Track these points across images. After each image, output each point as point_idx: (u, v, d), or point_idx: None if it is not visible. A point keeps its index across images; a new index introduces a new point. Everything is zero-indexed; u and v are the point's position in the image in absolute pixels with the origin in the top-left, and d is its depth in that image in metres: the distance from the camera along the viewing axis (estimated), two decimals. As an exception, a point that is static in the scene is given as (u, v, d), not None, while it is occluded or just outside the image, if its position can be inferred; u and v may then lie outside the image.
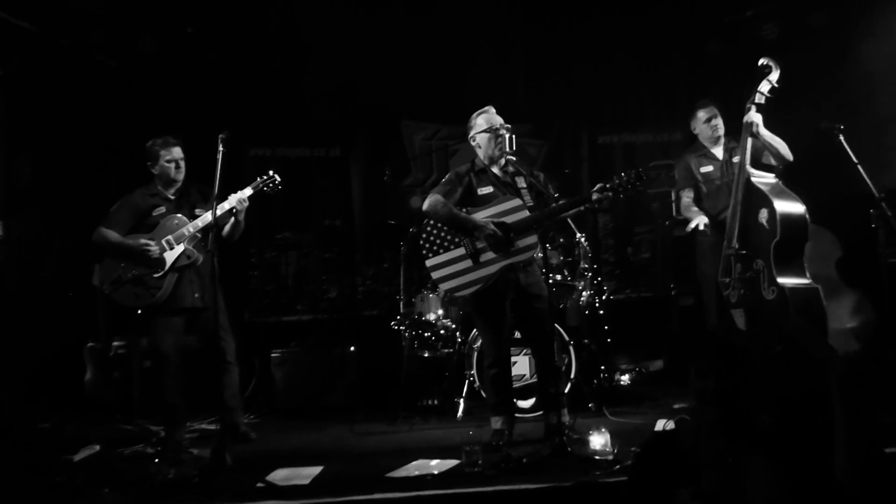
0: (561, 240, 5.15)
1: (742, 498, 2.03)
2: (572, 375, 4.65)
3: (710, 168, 4.80)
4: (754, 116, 4.41)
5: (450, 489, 3.16)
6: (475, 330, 4.85)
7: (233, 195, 4.19)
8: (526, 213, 3.88)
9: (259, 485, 3.40)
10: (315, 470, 3.59)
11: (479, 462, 3.37)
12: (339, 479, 3.49)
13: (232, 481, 3.45)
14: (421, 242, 4.07)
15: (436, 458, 3.67)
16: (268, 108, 6.38)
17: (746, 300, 4.38)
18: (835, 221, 5.28)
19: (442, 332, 5.12)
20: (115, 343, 5.27)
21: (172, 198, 4.34)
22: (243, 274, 6.25)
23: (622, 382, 5.47)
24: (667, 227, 6.25)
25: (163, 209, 4.27)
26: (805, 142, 4.57)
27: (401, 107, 6.64)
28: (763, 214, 4.31)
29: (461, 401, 4.81)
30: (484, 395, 4.61)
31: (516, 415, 4.16)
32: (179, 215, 4.25)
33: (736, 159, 4.55)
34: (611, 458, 3.36)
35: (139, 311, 4.24)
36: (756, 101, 4.44)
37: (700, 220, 4.57)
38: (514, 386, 4.32)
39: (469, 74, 6.59)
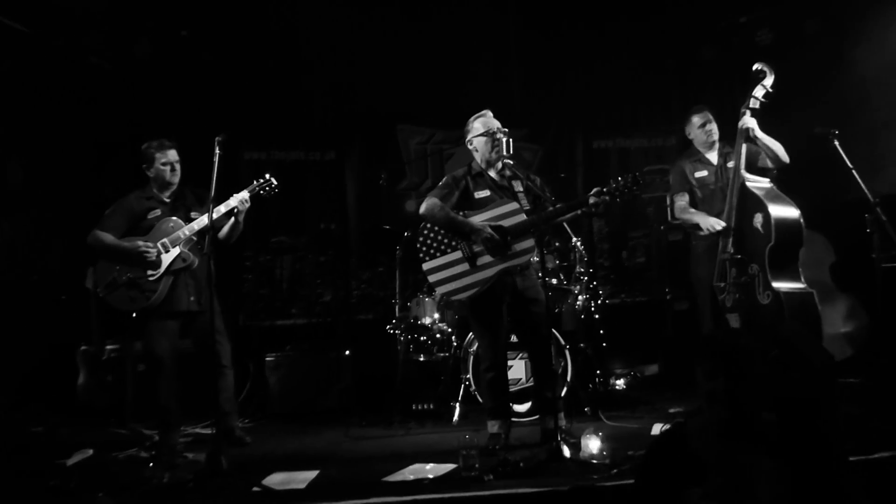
0: (556, 244, 5.15)
1: (752, 497, 2.04)
2: (568, 380, 4.65)
3: (704, 173, 4.81)
4: (749, 121, 4.44)
5: (447, 493, 3.15)
6: (471, 334, 4.84)
7: (235, 195, 4.19)
8: (523, 217, 3.88)
9: (255, 489, 3.38)
10: (311, 474, 3.57)
11: (477, 466, 3.36)
12: (336, 484, 3.47)
13: (227, 485, 3.42)
14: (418, 246, 4.06)
15: (432, 462, 3.66)
16: (263, 111, 6.37)
17: (741, 304, 4.39)
18: (828, 226, 5.32)
19: (438, 335, 5.11)
20: (109, 347, 5.25)
21: (168, 201, 4.32)
22: (238, 277, 6.23)
23: (617, 387, 5.47)
24: (662, 232, 6.28)
25: (158, 212, 4.25)
26: (798, 147, 4.60)
27: (396, 111, 6.64)
28: (758, 219, 4.33)
29: (457, 405, 4.80)
30: (480, 399, 4.60)
31: (512, 419, 4.16)
32: (175, 218, 4.23)
33: (730, 164, 4.57)
34: (608, 462, 3.37)
35: (134, 315, 4.22)
36: (751, 105, 4.47)
37: (709, 222, 4.55)
38: (511, 390, 4.32)
39: (465, 79, 6.61)
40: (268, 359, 5.35)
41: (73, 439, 4.50)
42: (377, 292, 6.29)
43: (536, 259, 4.11)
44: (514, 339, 4.43)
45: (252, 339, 5.98)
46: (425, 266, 4.02)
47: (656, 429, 4.02)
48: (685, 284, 5.36)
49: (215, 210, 3.99)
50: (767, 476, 2.06)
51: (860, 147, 4.23)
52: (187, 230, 4.18)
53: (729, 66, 6.48)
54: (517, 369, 4.66)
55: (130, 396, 5.10)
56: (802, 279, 4.35)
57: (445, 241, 3.99)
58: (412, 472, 3.55)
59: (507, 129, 4.04)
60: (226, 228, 4.31)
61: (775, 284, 4.23)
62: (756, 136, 4.44)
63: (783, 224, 4.27)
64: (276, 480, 3.50)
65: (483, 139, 4.05)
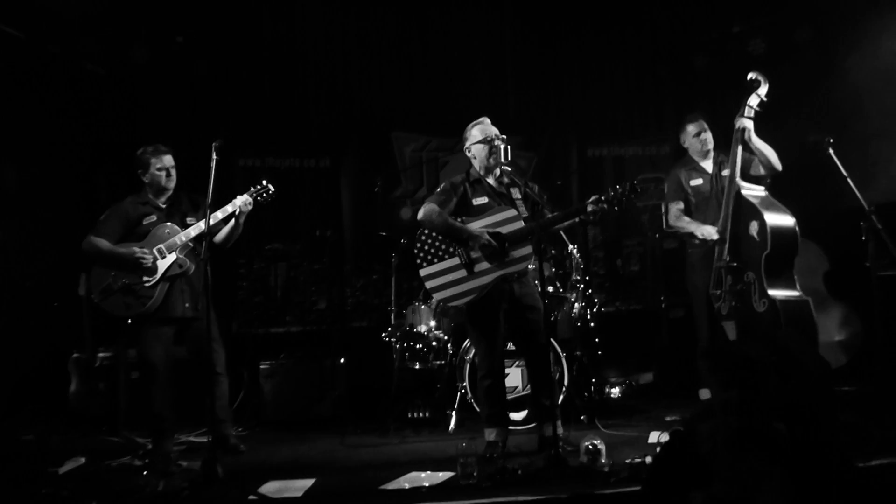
0: (552, 251, 5.15)
1: (752, 502, 2.07)
2: (564, 387, 4.64)
3: (699, 181, 4.84)
4: (746, 122, 4.46)
5: (445, 501, 3.14)
6: (467, 341, 4.84)
7: (239, 197, 4.18)
8: (521, 224, 3.88)
9: (251, 497, 3.35)
10: (307, 482, 3.54)
11: (475, 474, 3.34)
12: (332, 492, 3.45)
13: (223, 494, 3.40)
14: (415, 252, 4.05)
15: (429, 470, 3.64)
16: (258, 117, 6.38)
17: (737, 312, 4.41)
18: (821, 234, 5.35)
19: (434, 343, 5.10)
20: (101, 354, 5.19)
21: (163, 206, 4.30)
22: (232, 285, 6.20)
23: (612, 395, 5.46)
24: (657, 240, 6.30)
25: (154, 217, 4.22)
26: (791, 155, 4.63)
27: (391, 118, 6.65)
28: (753, 227, 4.35)
29: (453, 413, 4.78)
30: (477, 407, 4.59)
31: (509, 427, 4.14)
32: (170, 224, 4.21)
33: (725, 172, 4.60)
34: (606, 469, 3.35)
35: (129, 321, 4.18)
36: (745, 114, 4.49)
37: (703, 230, 4.57)
38: (507, 398, 4.30)
39: (460, 87, 6.64)
40: (262, 367, 5.32)
41: (65, 447, 4.45)
42: (372, 300, 6.27)
43: (532, 267, 4.11)
44: (510, 346, 4.42)
45: (246, 346, 5.92)
46: (422, 272, 4.01)
47: (653, 437, 4.01)
48: (680, 292, 5.38)
49: (212, 215, 3.96)
50: (770, 483, 2.08)
51: (852, 156, 4.25)
52: (183, 236, 4.15)
53: (722, 75, 6.53)
54: (513, 377, 4.65)
55: (123, 404, 5.06)
56: (798, 287, 4.37)
57: (443, 247, 3.98)
58: (409, 480, 3.53)
59: (505, 136, 4.05)
60: (224, 232, 4.29)
61: (771, 292, 4.25)
62: (751, 139, 4.47)
63: (779, 232, 4.28)
64: (272, 489, 3.47)
65: (481, 146, 4.05)
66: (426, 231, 4.03)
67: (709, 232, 4.54)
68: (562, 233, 4.89)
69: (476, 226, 3.93)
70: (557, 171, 6.65)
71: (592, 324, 5.20)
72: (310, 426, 5.07)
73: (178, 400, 4.26)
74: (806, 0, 6.12)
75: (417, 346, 5.11)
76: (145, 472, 3.86)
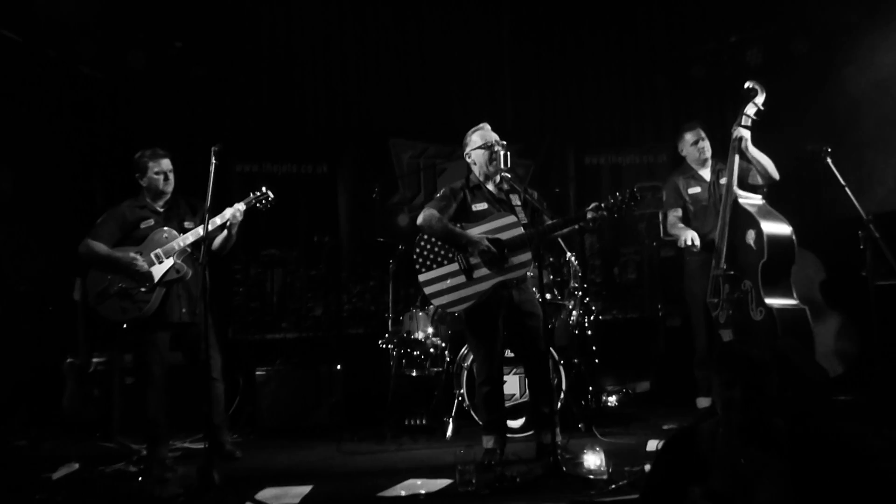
0: (550, 259, 5.15)
1: (750, 497, 2.12)
2: (562, 395, 4.63)
3: (697, 189, 4.86)
4: (743, 132, 4.48)
5: (444, 508, 3.13)
6: (464, 348, 4.83)
7: (228, 208, 4.15)
8: (520, 230, 3.87)
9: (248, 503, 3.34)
10: (304, 489, 3.51)
11: (473, 481, 3.32)
12: (330, 499, 3.43)
13: (220, 500, 3.37)
14: (414, 257, 4.04)
15: (426, 477, 3.62)
16: (255, 123, 6.37)
17: (734, 321, 4.41)
18: (817, 244, 5.36)
19: (431, 350, 5.08)
20: (95, 359, 5.16)
21: (161, 210, 4.27)
22: (228, 290, 6.17)
23: (609, 403, 5.46)
24: (654, 248, 6.31)
25: (151, 222, 4.20)
26: (787, 165, 4.66)
27: (389, 125, 6.65)
28: (750, 235, 4.36)
29: (450, 420, 4.76)
30: (474, 414, 4.57)
31: (507, 434, 4.13)
32: (168, 228, 4.18)
33: (723, 181, 4.62)
34: (605, 477, 3.35)
35: (124, 326, 4.15)
36: (742, 123, 4.52)
37: (687, 235, 4.63)
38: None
39: (457, 94, 6.66)
40: (258, 373, 5.27)
41: (59, 453, 4.43)
42: (368, 306, 6.25)
43: (531, 274, 4.11)
44: (508, 353, 4.41)
45: (242, 353, 5.91)
46: (421, 277, 4.00)
47: (651, 445, 4.01)
48: (677, 301, 5.39)
49: (210, 221, 3.94)
50: (768, 476, 2.13)
51: (847, 166, 4.27)
52: (181, 241, 4.13)
53: (719, 85, 6.57)
54: (511, 384, 4.63)
55: (118, 410, 5.02)
56: (795, 296, 4.39)
57: (442, 252, 3.97)
58: (406, 487, 3.50)
59: (505, 142, 4.04)
60: (218, 240, 4.26)
61: (768, 301, 4.26)
62: (748, 149, 4.49)
63: (775, 240, 4.30)
64: (269, 495, 3.44)
65: (481, 152, 4.05)
66: (425, 236, 4.02)
67: (690, 238, 4.56)
68: (560, 240, 4.90)
69: (475, 232, 3.93)
70: (555, 179, 6.67)
71: (590, 331, 5.19)
72: (306, 433, 5.04)
73: (173, 406, 4.23)
74: (802, 11, 6.16)
75: (415, 352, 5.10)
76: (140, 479, 3.82)
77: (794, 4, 6.17)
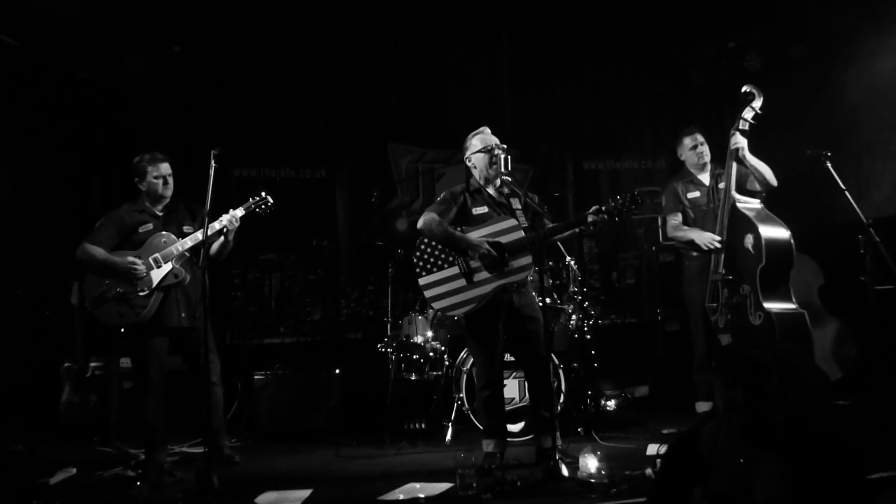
0: (549, 263, 5.15)
1: (749, 498, 2.13)
2: (562, 399, 4.62)
3: (697, 194, 4.85)
4: (740, 140, 4.49)
5: (444, 513, 3.11)
6: (463, 353, 4.82)
7: (224, 215, 4.14)
8: (521, 234, 3.87)
9: (247, 508, 3.32)
10: (304, 493, 3.50)
11: (474, 485, 3.31)
12: (330, 503, 3.41)
13: (219, 504, 3.36)
14: (414, 261, 4.04)
15: (426, 481, 3.61)
16: (253, 127, 6.37)
17: (733, 325, 4.41)
18: (815, 249, 5.37)
19: (430, 354, 5.06)
20: (93, 364, 5.14)
21: (160, 214, 4.26)
22: (226, 295, 6.15)
23: (608, 408, 5.45)
24: (653, 253, 6.31)
25: (150, 226, 4.19)
26: (785, 170, 4.66)
27: (387, 130, 6.66)
28: (749, 240, 4.36)
29: (449, 424, 4.75)
30: (474, 418, 4.56)
31: (506, 438, 4.11)
32: (166, 233, 4.17)
33: (722, 185, 4.62)
34: (606, 481, 3.34)
35: (122, 330, 4.14)
36: (740, 127, 4.52)
37: (705, 238, 4.54)
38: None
39: (456, 99, 6.66)
40: (256, 377, 5.27)
41: (56, 457, 4.40)
42: (367, 311, 6.24)
43: (531, 278, 4.10)
44: (508, 357, 4.40)
45: (240, 357, 5.89)
46: (421, 281, 4.00)
47: (651, 449, 3.99)
48: (676, 305, 5.38)
49: (209, 226, 3.93)
50: (767, 475, 2.14)
51: (845, 171, 4.27)
52: (180, 246, 4.11)
53: (718, 90, 6.58)
54: (511, 388, 4.62)
55: (115, 414, 5.00)
56: (794, 300, 4.39)
57: (442, 256, 3.97)
58: (406, 491, 3.49)
59: (505, 146, 4.05)
60: (215, 246, 4.25)
61: (767, 305, 4.26)
62: (745, 157, 4.49)
63: (774, 245, 4.30)
64: (268, 499, 3.43)
65: (481, 155, 4.05)
66: (426, 240, 4.02)
67: (709, 239, 4.53)
68: (559, 244, 4.90)
69: (476, 235, 3.92)
70: (553, 185, 6.66)
71: (588, 336, 5.19)
72: (304, 437, 5.03)
73: (172, 410, 4.22)
74: (800, 17, 6.19)
75: (414, 356, 5.08)
76: (138, 483, 3.80)
77: (793, 10, 6.19)
